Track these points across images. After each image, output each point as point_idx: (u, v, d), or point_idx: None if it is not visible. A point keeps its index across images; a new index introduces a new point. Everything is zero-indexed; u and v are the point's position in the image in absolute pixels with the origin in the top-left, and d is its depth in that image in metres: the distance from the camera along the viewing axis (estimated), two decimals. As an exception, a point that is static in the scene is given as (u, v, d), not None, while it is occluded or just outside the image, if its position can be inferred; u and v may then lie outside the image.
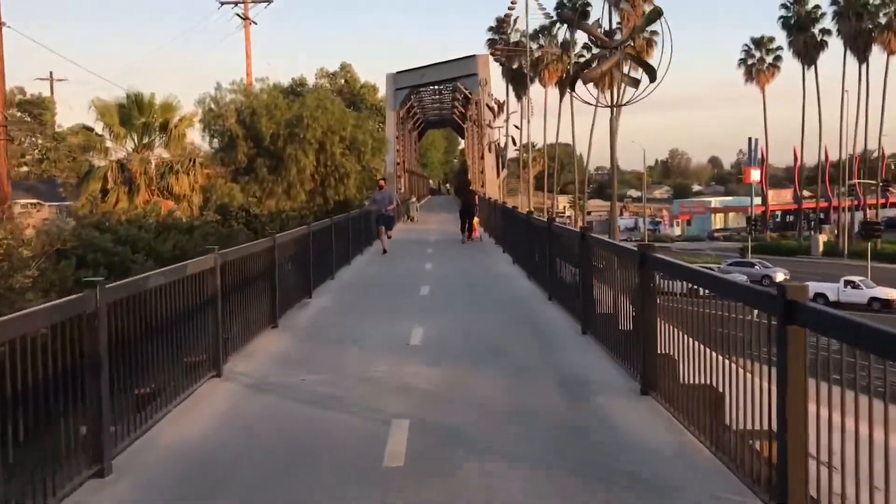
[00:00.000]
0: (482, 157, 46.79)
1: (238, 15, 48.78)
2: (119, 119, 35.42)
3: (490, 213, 29.44)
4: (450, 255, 23.42)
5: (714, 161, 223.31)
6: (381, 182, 28.88)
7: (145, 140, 36.01)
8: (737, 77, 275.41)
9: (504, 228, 24.05)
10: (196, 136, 45.71)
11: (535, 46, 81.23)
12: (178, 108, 36.64)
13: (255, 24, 52.16)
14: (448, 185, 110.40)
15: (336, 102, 43.73)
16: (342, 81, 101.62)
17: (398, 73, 52.22)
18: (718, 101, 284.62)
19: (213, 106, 43.03)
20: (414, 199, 35.67)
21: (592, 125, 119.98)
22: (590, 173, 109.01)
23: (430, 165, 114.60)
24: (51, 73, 72.53)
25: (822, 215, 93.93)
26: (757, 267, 57.16)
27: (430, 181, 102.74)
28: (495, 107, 53.72)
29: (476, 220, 29.30)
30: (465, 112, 66.47)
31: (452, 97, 63.50)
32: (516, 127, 65.25)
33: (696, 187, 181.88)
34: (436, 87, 58.88)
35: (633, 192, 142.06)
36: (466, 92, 54.04)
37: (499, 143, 52.32)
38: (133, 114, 35.63)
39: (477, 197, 29.68)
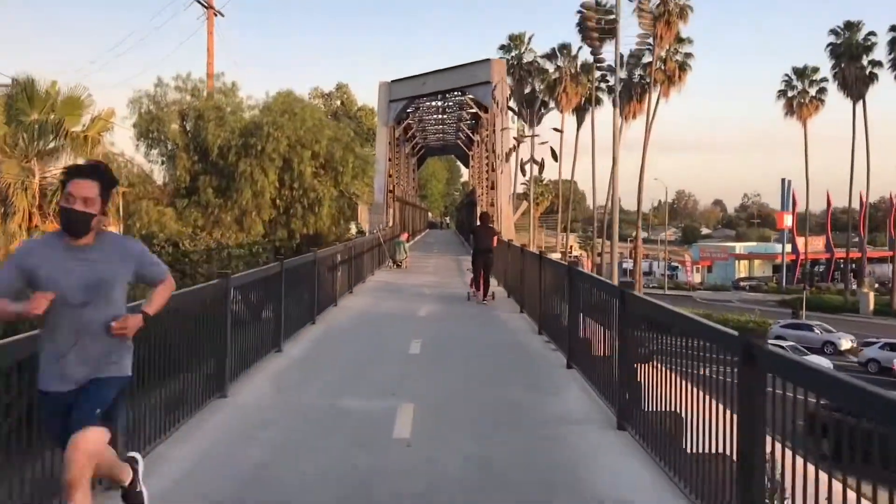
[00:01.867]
0: (492, 187, 36.63)
1: (199, 1, 38.90)
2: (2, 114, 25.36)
3: (509, 262, 19.45)
4: (452, 327, 13.38)
5: (719, 204, 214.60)
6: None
7: (40, 144, 25.90)
8: (743, 118, 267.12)
9: (527, 284, 14.26)
10: (129, 146, 35.26)
11: (551, 69, 71.73)
12: (89, 104, 26.52)
13: (222, 15, 42.53)
14: (448, 218, 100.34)
15: (311, 108, 33.63)
16: (338, 103, 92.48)
17: (394, 81, 42.30)
18: (724, 145, 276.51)
19: (150, 107, 33.20)
20: (402, 239, 25.40)
21: (593, 160, 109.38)
22: (590, 211, 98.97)
23: (430, 197, 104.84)
24: None
25: (852, 266, 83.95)
26: (816, 331, 46.79)
27: (430, 214, 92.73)
28: (514, 120, 43.82)
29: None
30: (473, 136, 56.61)
31: (458, 117, 53.79)
32: (557, 130, 54.89)
33: (703, 230, 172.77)
34: (439, 103, 49.44)
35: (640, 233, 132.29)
36: (472, 107, 44.05)
37: (522, 163, 41.97)
38: (21, 107, 25.60)
39: (497, 238, 19.75)
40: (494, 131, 35.33)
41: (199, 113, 31.14)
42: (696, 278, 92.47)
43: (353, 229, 32.67)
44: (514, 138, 36.39)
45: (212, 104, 31.87)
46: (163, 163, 32.27)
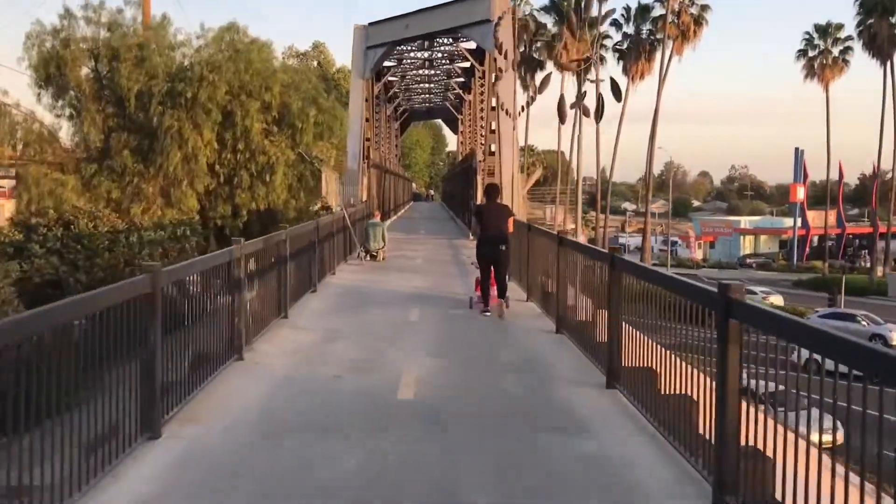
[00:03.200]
0: (491, 153, 29.11)
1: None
2: None
3: (530, 254, 12.54)
4: (458, 364, 6.34)
5: (707, 176, 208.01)
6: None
7: None
8: (729, 90, 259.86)
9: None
10: (30, 95, 27.81)
11: (550, 23, 63.98)
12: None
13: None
14: (433, 191, 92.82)
15: (260, 46, 25.95)
16: (315, 63, 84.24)
17: (371, 24, 34.50)
18: (710, 115, 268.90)
19: (55, 45, 25.44)
20: (376, 220, 18.01)
21: (575, 126, 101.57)
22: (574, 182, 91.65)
23: (414, 167, 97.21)
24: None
25: (862, 242, 77.38)
26: (864, 323, 39.97)
27: (413, 185, 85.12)
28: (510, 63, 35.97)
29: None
30: (465, 95, 49.02)
31: (447, 73, 46.14)
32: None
33: (694, 202, 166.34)
34: (425, 54, 41.94)
35: (629, 205, 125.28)
36: (464, 59, 36.41)
37: (561, 107, 34.28)
38: None
39: (513, 220, 12.76)
40: (497, 80, 27.84)
41: (114, 52, 23.46)
42: (698, 254, 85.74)
43: (319, 204, 25.32)
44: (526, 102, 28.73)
45: (133, 42, 24.15)
46: (71, 117, 24.66)
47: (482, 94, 41.26)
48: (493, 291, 11.36)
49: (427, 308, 11.51)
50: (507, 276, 11.57)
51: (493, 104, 32.33)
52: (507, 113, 27.18)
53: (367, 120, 39.06)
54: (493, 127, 32.72)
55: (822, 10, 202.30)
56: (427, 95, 59.88)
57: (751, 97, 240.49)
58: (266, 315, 9.01)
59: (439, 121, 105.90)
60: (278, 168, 23.52)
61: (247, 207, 24.17)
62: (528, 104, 34.99)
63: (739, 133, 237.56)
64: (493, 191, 12.97)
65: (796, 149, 75.96)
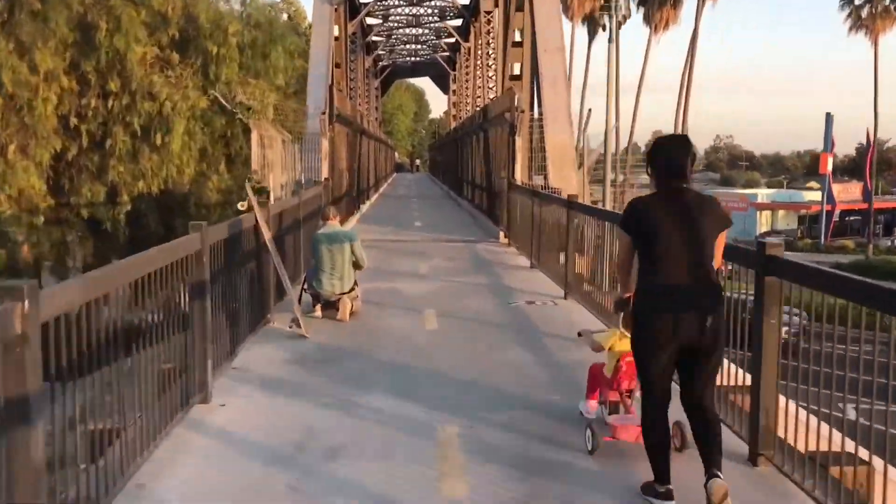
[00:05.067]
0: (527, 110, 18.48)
1: None
2: None
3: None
4: None
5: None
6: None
7: None
8: (713, 57, 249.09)
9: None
10: None
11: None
12: None
13: None
14: (418, 161, 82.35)
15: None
16: (284, 17, 73.25)
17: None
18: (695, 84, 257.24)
19: None
20: (334, 228, 7.72)
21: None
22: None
23: (396, 135, 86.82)
24: None
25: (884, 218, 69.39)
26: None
27: (396, 154, 74.81)
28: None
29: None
30: (464, 42, 38.96)
31: (440, 11, 36.17)
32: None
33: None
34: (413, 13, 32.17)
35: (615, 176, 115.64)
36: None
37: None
38: None
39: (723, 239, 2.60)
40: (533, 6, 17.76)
41: None
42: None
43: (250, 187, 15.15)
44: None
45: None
46: None
47: (490, 34, 31.18)
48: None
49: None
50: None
51: (518, 38, 22.30)
52: (551, 49, 17.15)
53: (337, 66, 28.91)
54: (517, 71, 22.76)
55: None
56: (414, 47, 49.67)
57: (725, 66, 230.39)
58: None
59: (422, 86, 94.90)
60: (177, 122, 13.69)
61: (130, 188, 14.32)
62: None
63: (717, 101, 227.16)
64: (675, 160, 3.77)
65: (827, 114, 66.49)
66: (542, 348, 6.72)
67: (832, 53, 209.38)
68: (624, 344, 4.12)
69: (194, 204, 15.41)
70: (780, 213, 79.95)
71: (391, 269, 10.86)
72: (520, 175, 13.88)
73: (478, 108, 30.38)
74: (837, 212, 69.00)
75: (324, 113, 14.02)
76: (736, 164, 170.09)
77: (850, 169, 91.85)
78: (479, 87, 34.27)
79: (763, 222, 78.52)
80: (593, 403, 4.52)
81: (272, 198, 14.30)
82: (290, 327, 6.98)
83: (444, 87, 57.03)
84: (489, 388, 5.48)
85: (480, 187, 19.10)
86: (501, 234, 14.25)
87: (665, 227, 3.52)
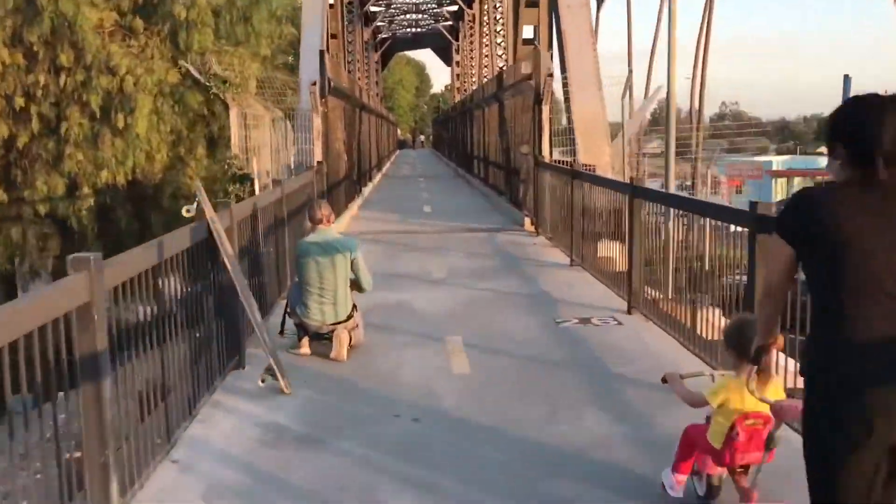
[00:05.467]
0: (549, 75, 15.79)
1: None
2: None
3: None
4: None
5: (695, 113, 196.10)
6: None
7: None
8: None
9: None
10: None
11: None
12: None
13: None
14: (422, 136, 79.74)
15: None
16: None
17: None
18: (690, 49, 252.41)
19: None
20: (325, 234, 5.54)
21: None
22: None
23: (398, 110, 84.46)
24: None
25: None
26: None
27: (398, 130, 72.41)
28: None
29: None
30: (469, 8, 36.61)
31: None
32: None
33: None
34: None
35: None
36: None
37: None
38: None
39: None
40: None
41: None
42: (719, 201, 74.26)
43: (200, 195, 12.91)
44: None
45: None
46: None
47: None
48: None
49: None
50: None
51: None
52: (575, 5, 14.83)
53: (333, 37, 26.65)
54: (530, 34, 20.51)
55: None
56: (414, 16, 47.27)
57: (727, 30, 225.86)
58: None
59: (423, 60, 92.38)
60: (141, 99, 11.59)
61: (92, 179, 12.24)
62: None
63: (721, 66, 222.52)
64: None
65: (845, 76, 63.51)
66: (626, 406, 4.62)
67: (831, 15, 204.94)
68: (745, 401, 2.91)
69: (171, 194, 13.35)
70: (796, 180, 77.65)
71: (399, 272, 8.78)
72: (548, 150, 11.72)
73: (485, 79, 28.07)
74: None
75: (314, 84, 11.82)
76: (744, 131, 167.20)
77: None
78: (486, 56, 31.95)
79: (778, 190, 76.19)
80: (681, 478, 3.25)
81: (258, 187, 12.23)
82: (263, 381, 4.89)
83: (447, 59, 54.61)
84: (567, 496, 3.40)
85: (496, 165, 16.94)
86: (527, 220, 12.12)
87: (866, 240, 2.04)
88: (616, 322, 6.50)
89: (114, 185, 12.46)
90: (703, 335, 5.47)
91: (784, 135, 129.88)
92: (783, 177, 78.21)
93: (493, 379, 5.16)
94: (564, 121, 14.79)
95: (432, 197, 18.56)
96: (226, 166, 11.96)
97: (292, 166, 12.56)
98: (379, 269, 8.69)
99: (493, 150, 17.45)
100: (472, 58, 38.32)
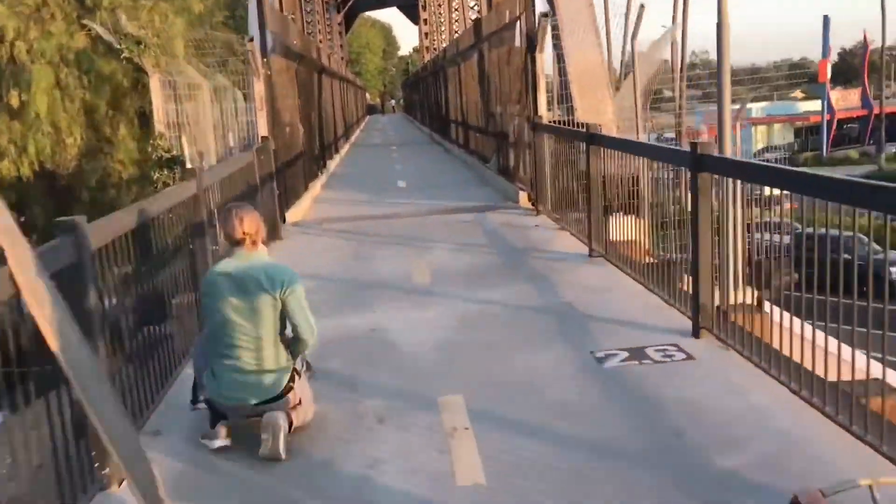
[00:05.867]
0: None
1: None
2: None
3: None
4: None
5: (664, 62, 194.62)
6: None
7: None
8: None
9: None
10: None
11: None
12: None
13: None
14: (393, 101, 76.78)
15: None
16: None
17: None
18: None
19: None
20: (251, 259, 3.34)
21: None
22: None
23: (365, 74, 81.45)
24: None
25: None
26: None
27: (367, 96, 69.46)
28: None
29: None
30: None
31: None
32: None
33: (666, 93, 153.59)
34: None
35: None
36: None
37: None
38: None
39: None
40: None
41: None
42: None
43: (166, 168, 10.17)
44: None
45: None
46: None
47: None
48: None
49: None
50: None
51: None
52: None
53: (286, -6, 24.21)
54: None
55: None
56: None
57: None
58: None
59: (389, 21, 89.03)
60: (39, 71, 9.24)
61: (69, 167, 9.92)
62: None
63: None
64: None
65: (825, 17, 61.75)
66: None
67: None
68: None
69: (96, 183, 11.12)
70: (776, 126, 76.09)
71: (369, 280, 6.65)
72: (544, 109, 9.59)
73: (457, 34, 25.70)
74: (835, 121, 66.06)
75: (251, 40, 9.54)
76: (716, 79, 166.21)
77: (834, 74, 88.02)
78: (457, 10, 29.52)
79: (759, 138, 74.56)
80: None
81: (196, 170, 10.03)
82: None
83: (414, 18, 51.83)
84: None
85: (478, 129, 14.77)
86: (522, 195, 10.02)
87: None
88: (682, 355, 4.47)
89: (18, 177, 10.20)
90: (837, 379, 3.48)
91: (754, 81, 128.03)
92: (763, 123, 76.71)
93: (523, 496, 3.12)
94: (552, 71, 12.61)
95: (406, 168, 16.36)
96: (149, 148, 9.75)
97: (236, 144, 10.34)
98: (343, 275, 6.58)
99: (474, 111, 15.26)
100: (440, 14, 35.81)
